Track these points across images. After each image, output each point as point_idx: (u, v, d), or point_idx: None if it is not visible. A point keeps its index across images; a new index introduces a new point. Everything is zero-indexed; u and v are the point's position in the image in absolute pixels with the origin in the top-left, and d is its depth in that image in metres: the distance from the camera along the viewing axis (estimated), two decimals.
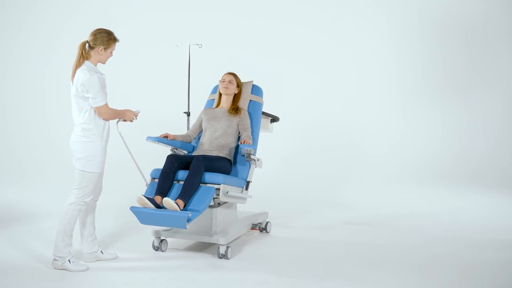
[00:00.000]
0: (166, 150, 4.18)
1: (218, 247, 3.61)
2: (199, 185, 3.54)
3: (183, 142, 4.17)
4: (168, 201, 3.36)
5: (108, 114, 3.32)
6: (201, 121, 4.26)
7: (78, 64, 3.27)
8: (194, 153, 4.09)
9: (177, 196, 3.50)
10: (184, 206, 3.44)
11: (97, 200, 3.48)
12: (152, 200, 3.44)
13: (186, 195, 3.45)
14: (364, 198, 5.85)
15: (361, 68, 6.77)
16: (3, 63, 6.62)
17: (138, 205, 3.45)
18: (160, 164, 3.80)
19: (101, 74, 3.33)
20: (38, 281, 3.10)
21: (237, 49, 6.64)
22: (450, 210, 5.36)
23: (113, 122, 3.50)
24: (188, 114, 5.12)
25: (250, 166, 4.00)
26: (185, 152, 4.22)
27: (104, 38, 3.31)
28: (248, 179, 3.98)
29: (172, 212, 3.31)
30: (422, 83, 6.71)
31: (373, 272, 3.35)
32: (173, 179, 3.66)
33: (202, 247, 3.91)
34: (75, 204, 3.28)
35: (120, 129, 3.56)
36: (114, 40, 3.37)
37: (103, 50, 3.32)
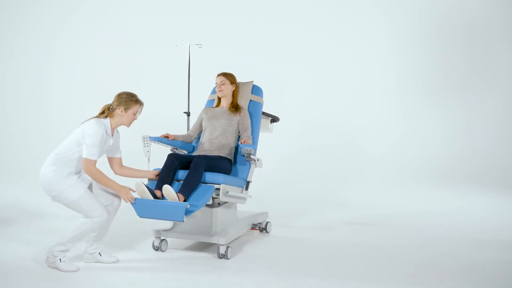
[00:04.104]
0: (167, 150, 4.18)
1: (218, 247, 3.61)
2: (199, 182, 3.53)
3: (184, 142, 4.17)
4: (167, 188, 3.32)
5: (92, 173, 3.20)
6: (202, 120, 4.26)
7: (97, 116, 3.31)
8: (195, 153, 4.08)
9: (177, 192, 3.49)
10: (184, 201, 3.42)
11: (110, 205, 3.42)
12: (151, 191, 3.41)
13: (186, 190, 3.44)
14: (364, 198, 5.84)
15: (361, 68, 6.77)
16: (3, 63, 6.62)
17: (136, 194, 3.42)
18: (160, 165, 3.80)
19: (111, 135, 3.33)
20: (38, 281, 3.10)
21: (237, 49, 6.64)
22: (450, 210, 5.36)
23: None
24: (188, 114, 5.12)
25: (250, 166, 4.00)
26: (185, 152, 4.22)
27: (125, 100, 3.34)
28: (248, 179, 3.97)
29: (170, 202, 3.29)
30: (422, 83, 6.72)
31: (373, 272, 3.35)
32: (173, 178, 3.65)
33: (202, 247, 3.91)
34: (93, 223, 3.25)
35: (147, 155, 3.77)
36: (136, 102, 3.37)
37: (123, 111, 3.33)
